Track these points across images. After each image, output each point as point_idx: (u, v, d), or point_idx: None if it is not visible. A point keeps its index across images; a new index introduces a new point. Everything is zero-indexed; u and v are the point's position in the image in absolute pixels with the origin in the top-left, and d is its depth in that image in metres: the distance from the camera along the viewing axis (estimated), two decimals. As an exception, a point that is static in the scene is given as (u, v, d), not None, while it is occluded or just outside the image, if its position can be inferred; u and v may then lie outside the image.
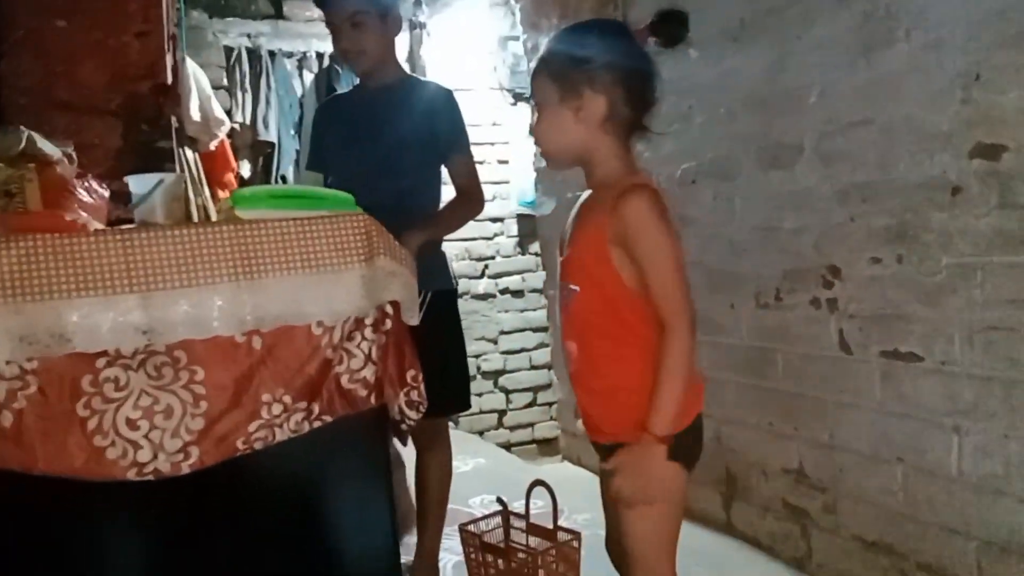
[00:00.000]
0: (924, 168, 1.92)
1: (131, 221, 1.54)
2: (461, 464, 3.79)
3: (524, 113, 4.63)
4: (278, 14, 4.52)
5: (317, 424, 1.30)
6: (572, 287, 1.42)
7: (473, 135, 5.13)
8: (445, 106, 2.14)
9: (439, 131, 2.11)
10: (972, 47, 1.80)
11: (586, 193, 1.50)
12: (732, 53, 2.51)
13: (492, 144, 4.83)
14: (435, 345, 1.69)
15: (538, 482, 2.16)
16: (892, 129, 2.00)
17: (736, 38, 2.48)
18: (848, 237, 2.15)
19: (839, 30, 2.12)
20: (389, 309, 1.37)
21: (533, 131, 1.47)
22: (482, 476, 3.60)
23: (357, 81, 2.29)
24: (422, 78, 2.26)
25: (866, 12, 2.04)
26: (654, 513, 1.41)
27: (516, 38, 4.34)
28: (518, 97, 4.77)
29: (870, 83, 2.05)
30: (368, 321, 1.35)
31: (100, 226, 1.52)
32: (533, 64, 1.49)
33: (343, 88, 3.93)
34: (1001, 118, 1.75)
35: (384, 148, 2.08)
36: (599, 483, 1.60)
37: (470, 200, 2.17)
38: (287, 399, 1.28)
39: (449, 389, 2.11)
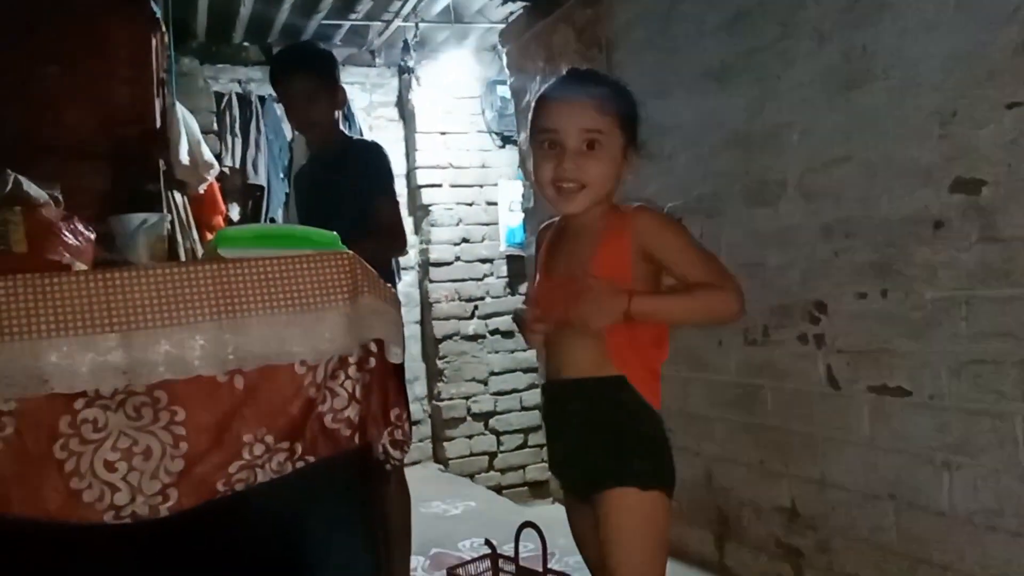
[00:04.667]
0: (906, 203, 1.94)
1: (116, 263, 1.54)
2: (450, 507, 3.75)
3: (512, 156, 4.68)
4: (269, 60, 4.57)
5: (300, 464, 1.28)
6: (637, 293, 1.39)
7: (461, 177, 5.18)
8: (365, 158, 2.34)
9: (361, 181, 2.28)
10: (948, 84, 1.83)
11: (553, 222, 1.59)
12: (715, 93, 2.55)
13: (480, 186, 4.87)
14: None
15: (527, 524, 2.13)
16: (873, 165, 2.03)
17: (718, 78, 2.52)
18: (833, 272, 2.16)
19: (818, 69, 2.16)
20: (373, 347, 1.36)
21: (581, 168, 1.42)
22: (471, 519, 3.55)
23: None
24: (355, 137, 2.51)
25: (844, 51, 2.08)
26: (640, 545, 1.40)
27: (503, 82, 4.40)
28: (506, 140, 4.82)
29: (850, 121, 2.08)
30: (352, 360, 1.33)
31: (84, 268, 1.52)
32: (586, 99, 1.44)
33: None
34: (979, 153, 1.78)
35: (328, 208, 2.25)
36: (572, 529, 1.59)
37: (383, 236, 2.24)
38: (269, 439, 1.26)
39: None
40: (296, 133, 4.49)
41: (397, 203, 2.37)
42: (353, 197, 2.24)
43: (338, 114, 2.42)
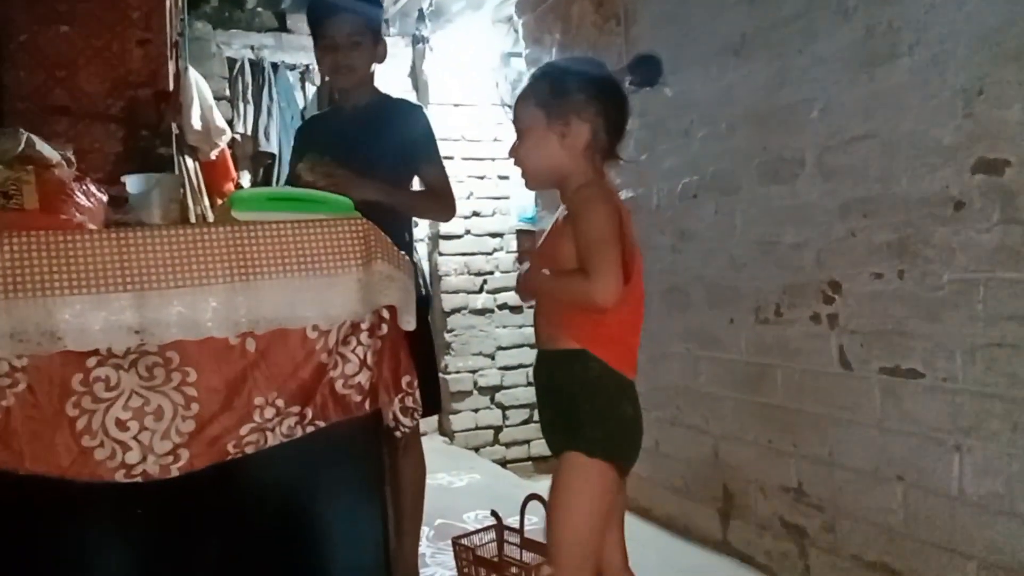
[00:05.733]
0: (926, 183, 1.92)
1: (128, 225, 1.53)
2: (456, 479, 3.77)
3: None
4: (282, 27, 4.55)
5: (310, 429, 1.28)
6: (544, 271, 1.58)
7: (474, 150, 5.16)
8: (415, 121, 2.25)
9: (409, 145, 2.21)
10: (975, 62, 1.80)
11: (561, 208, 1.62)
12: (733, 68, 2.51)
13: (493, 160, 4.84)
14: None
15: (533, 496, 2.13)
16: (894, 144, 1.99)
17: (737, 52, 2.49)
18: (849, 252, 2.13)
19: (841, 44, 2.12)
20: (386, 314, 1.36)
21: (513, 153, 1.62)
22: (476, 492, 3.57)
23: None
24: (393, 96, 2.35)
25: (869, 27, 2.04)
26: (570, 505, 1.49)
27: (518, 54, 4.34)
28: (520, 113, 4.78)
29: (872, 97, 2.05)
30: (364, 326, 1.33)
31: (95, 228, 1.51)
32: (516, 92, 1.63)
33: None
34: (1003, 133, 1.75)
35: (359, 165, 2.08)
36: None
37: (439, 197, 2.24)
38: (280, 403, 1.26)
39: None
40: (309, 101, 4.48)
41: (445, 168, 2.29)
42: (395, 157, 2.14)
43: (375, 67, 2.27)
